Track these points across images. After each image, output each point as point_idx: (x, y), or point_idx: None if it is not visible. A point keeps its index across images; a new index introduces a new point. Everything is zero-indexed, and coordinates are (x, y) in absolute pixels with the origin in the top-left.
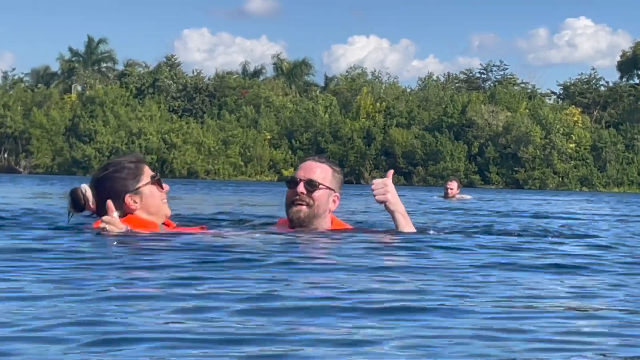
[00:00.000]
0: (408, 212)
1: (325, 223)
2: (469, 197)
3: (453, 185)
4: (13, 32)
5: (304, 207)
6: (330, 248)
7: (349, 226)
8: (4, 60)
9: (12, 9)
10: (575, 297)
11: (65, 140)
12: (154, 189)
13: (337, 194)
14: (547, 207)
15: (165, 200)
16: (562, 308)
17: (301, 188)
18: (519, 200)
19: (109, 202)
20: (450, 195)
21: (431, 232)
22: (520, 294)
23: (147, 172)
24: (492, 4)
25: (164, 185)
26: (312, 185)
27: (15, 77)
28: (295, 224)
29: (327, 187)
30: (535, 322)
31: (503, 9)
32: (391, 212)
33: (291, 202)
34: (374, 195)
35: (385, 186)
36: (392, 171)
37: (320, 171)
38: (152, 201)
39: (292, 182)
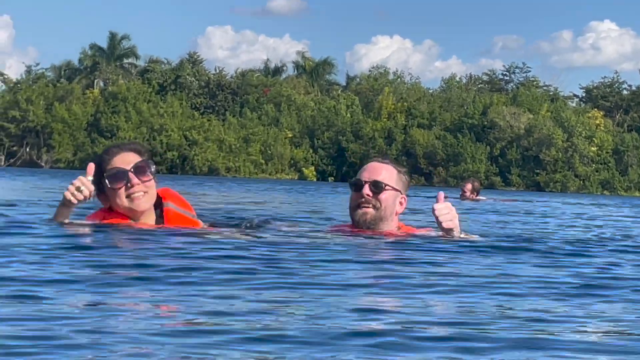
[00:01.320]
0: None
1: (391, 227)
2: (484, 198)
3: (467, 188)
4: (37, 27)
5: (371, 209)
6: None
7: (416, 230)
8: (27, 55)
9: (36, 4)
10: None
11: (87, 135)
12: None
13: (404, 196)
14: (587, 212)
15: (135, 195)
16: None
17: (367, 190)
18: (544, 203)
19: (91, 165)
20: (466, 197)
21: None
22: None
23: (112, 163)
24: (516, 6)
25: (131, 179)
26: (378, 187)
27: (39, 72)
28: (361, 227)
29: (394, 189)
30: None
31: (527, 11)
32: (451, 235)
33: (356, 205)
34: (440, 222)
35: (450, 211)
36: (442, 193)
37: (386, 172)
38: (110, 196)
39: (357, 185)
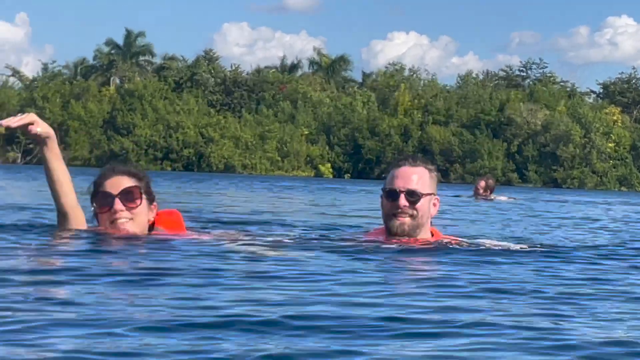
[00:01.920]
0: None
1: (426, 231)
2: (504, 198)
3: (480, 185)
4: (53, 25)
5: (408, 219)
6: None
7: (446, 236)
8: (44, 52)
9: (52, 1)
10: None
11: (103, 132)
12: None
13: (437, 197)
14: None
15: (119, 222)
16: None
17: (403, 201)
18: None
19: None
20: (480, 195)
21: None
22: None
23: (103, 186)
24: (533, 1)
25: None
26: (413, 196)
27: (55, 70)
28: (398, 236)
29: (428, 194)
30: None
31: (544, 6)
32: None
33: (392, 215)
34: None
35: None
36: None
37: (418, 177)
38: (97, 218)
39: (392, 194)
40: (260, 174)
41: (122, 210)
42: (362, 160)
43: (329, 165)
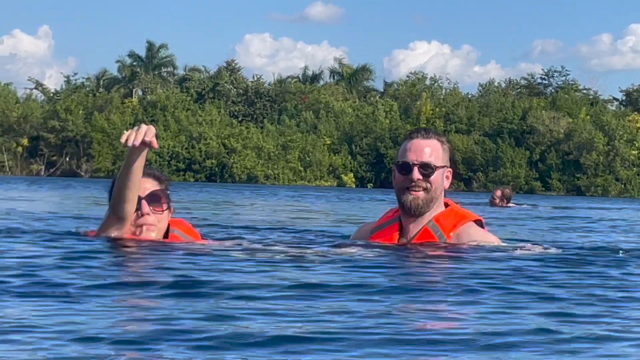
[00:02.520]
0: None
1: (440, 204)
2: (517, 205)
3: (496, 195)
4: (76, 37)
5: (421, 192)
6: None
7: (469, 213)
8: (67, 65)
9: (75, 13)
10: None
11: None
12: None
13: (450, 169)
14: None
15: (145, 226)
16: None
17: (417, 174)
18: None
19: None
20: (496, 204)
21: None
22: None
23: None
24: (555, 9)
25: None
26: (427, 169)
27: (78, 82)
28: (412, 210)
29: (441, 167)
30: None
31: (566, 14)
32: None
33: (405, 189)
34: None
35: None
36: None
37: (431, 150)
38: None
39: (405, 167)
40: (283, 184)
41: (148, 214)
42: (384, 170)
43: (351, 174)
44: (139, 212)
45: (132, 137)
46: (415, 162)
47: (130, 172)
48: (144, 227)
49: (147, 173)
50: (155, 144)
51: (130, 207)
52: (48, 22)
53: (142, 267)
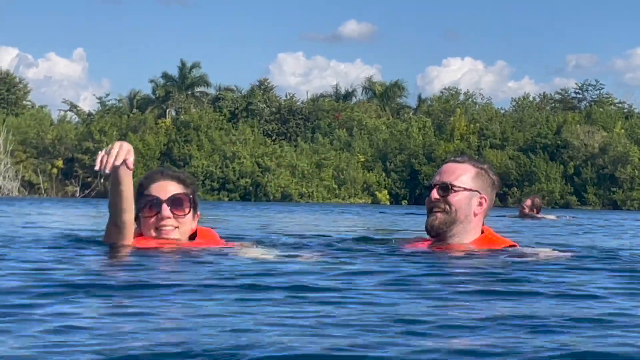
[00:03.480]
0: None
1: (469, 231)
2: (552, 217)
3: (526, 204)
4: (109, 59)
5: (440, 213)
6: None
7: (504, 240)
8: (101, 87)
9: (107, 35)
10: None
11: (160, 164)
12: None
13: (484, 195)
14: None
15: (165, 229)
16: None
17: (434, 194)
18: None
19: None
20: (526, 214)
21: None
22: None
23: (149, 189)
24: (589, 24)
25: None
26: (445, 189)
27: (111, 103)
28: (432, 233)
29: (467, 189)
30: None
31: (600, 29)
32: None
33: (429, 210)
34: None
35: None
36: None
37: (460, 172)
38: (141, 223)
39: (428, 188)
40: (317, 202)
41: (169, 218)
42: (419, 186)
43: (385, 192)
44: (159, 215)
45: (104, 162)
46: (437, 182)
47: (119, 191)
48: (163, 231)
49: (170, 175)
50: (130, 165)
51: (128, 216)
52: (82, 45)
53: (170, 269)
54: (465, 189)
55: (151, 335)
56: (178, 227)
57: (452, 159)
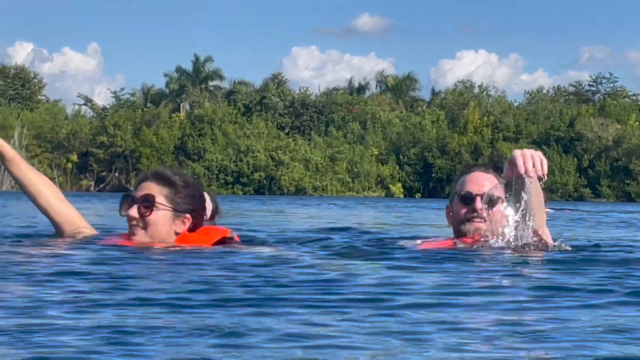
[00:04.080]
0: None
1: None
2: (550, 210)
3: None
4: (124, 54)
5: (483, 224)
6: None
7: None
8: (115, 81)
9: (122, 30)
10: None
11: (174, 158)
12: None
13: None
14: None
15: (133, 227)
16: None
17: (479, 204)
18: None
19: None
20: None
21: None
22: None
23: (138, 188)
24: (603, 16)
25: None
26: (490, 200)
27: (125, 97)
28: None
29: (502, 200)
30: None
31: (614, 21)
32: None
33: (466, 220)
34: (524, 171)
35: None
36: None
37: (491, 184)
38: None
39: (467, 198)
40: (331, 196)
41: (134, 217)
42: (432, 179)
43: (399, 185)
44: (130, 212)
45: None
46: (478, 193)
47: (15, 178)
48: (131, 231)
49: (154, 175)
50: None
51: (36, 203)
52: (97, 39)
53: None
54: (501, 202)
55: None
56: (145, 228)
57: (477, 167)
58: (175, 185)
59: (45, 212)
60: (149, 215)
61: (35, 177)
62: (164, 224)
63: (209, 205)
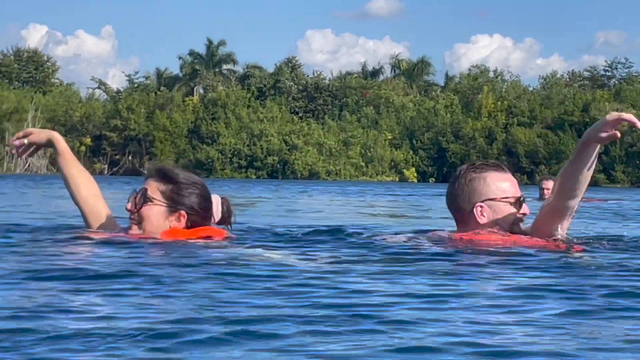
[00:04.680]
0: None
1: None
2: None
3: (549, 185)
4: (138, 37)
5: (521, 224)
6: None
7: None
8: (129, 64)
9: (136, 13)
10: None
11: (188, 142)
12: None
13: None
14: None
15: (131, 221)
16: None
17: (527, 209)
18: None
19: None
20: (545, 196)
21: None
22: None
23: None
24: (618, 1)
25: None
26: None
27: (139, 80)
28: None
29: None
30: None
31: (629, 5)
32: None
33: (518, 220)
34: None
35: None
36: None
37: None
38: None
39: (522, 202)
40: (345, 180)
41: (129, 211)
42: (446, 164)
43: (413, 169)
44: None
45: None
46: (523, 196)
47: (61, 171)
48: (129, 221)
49: (156, 172)
50: (22, 141)
51: (74, 198)
52: (111, 22)
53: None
54: None
55: None
56: (140, 222)
57: (501, 169)
58: (173, 182)
59: (77, 205)
60: (142, 209)
61: (77, 172)
62: (158, 218)
63: (217, 208)
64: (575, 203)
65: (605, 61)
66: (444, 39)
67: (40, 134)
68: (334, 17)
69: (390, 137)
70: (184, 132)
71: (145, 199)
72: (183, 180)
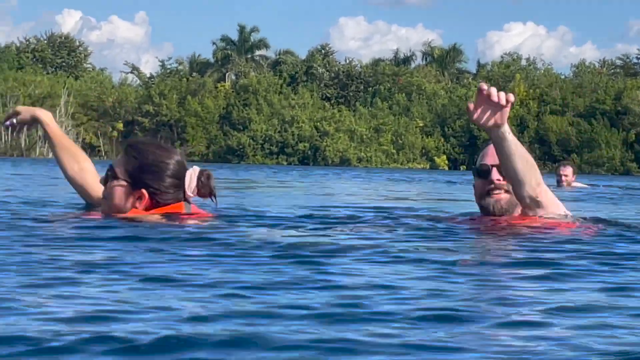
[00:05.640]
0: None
1: (518, 209)
2: (584, 185)
3: (568, 172)
4: (171, 23)
5: (504, 195)
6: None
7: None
8: (163, 50)
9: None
10: None
11: (219, 128)
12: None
13: None
14: None
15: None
16: None
17: (496, 175)
18: None
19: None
20: (563, 183)
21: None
22: None
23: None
24: None
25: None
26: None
27: (171, 66)
28: (495, 214)
29: None
30: None
31: None
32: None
33: (486, 193)
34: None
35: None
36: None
37: None
38: None
39: (484, 171)
40: (376, 167)
41: (102, 187)
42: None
43: (444, 157)
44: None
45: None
46: (493, 164)
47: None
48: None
49: (127, 147)
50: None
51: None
52: (145, 8)
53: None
54: None
55: None
56: (105, 200)
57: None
58: (137, 159)
59: (68, 181)
60: (106, 186)
61: (60, 150)
62: (119, 197)
63: (189, 181)
64: (523, 192)
65: (638, 49)
66: (477, 27)
67: (25, 113)
68: (367, 5)
69: (421, 125)
70: (215, 118)
71: (109, 175)
72: (149, 157)
